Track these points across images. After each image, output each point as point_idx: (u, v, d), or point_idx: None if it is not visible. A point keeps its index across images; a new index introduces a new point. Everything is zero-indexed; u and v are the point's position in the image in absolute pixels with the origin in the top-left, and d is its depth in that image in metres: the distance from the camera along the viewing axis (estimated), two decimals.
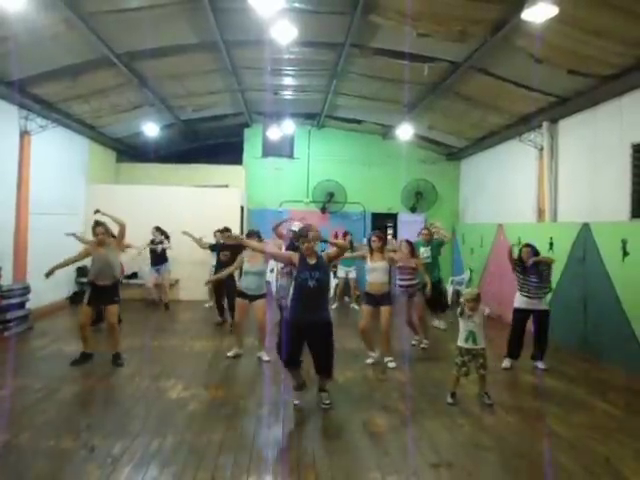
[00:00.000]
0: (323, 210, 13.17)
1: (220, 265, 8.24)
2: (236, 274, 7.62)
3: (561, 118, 8.53)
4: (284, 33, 6.54)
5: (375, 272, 6.35)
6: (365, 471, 3.64)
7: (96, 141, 11.41)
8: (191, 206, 10.86)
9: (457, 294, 11.67)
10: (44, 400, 4.88)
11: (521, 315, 6.39)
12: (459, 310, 5.12)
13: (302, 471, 3.62)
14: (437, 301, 8.42)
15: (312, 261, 4.73)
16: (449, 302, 11.49)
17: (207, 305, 10.02)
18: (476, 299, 5.06)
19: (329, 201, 13.13)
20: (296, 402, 4.86)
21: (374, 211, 13.33)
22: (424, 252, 8.05)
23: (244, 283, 6.48)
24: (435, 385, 5.62)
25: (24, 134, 8.43)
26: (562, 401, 5.23)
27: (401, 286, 7.23)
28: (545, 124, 8.71)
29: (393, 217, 13.29)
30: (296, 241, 4.97)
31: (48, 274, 5.87)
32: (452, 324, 8.03)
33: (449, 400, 5.03)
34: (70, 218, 9.91)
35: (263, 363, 6.31)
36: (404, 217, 13.12)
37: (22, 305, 7.74)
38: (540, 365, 6.33)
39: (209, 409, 4.75)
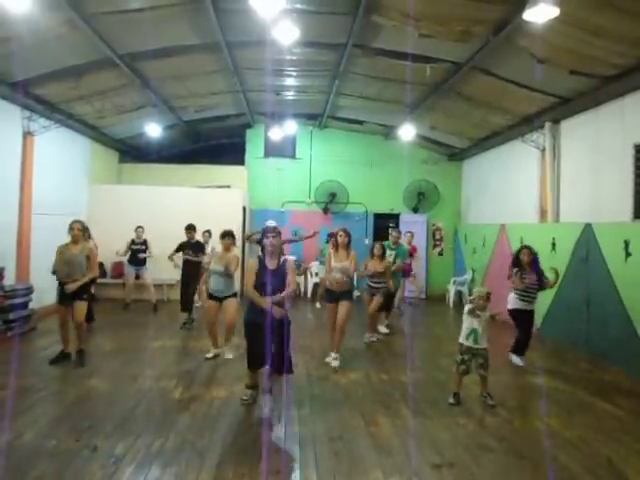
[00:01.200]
0: (325, 211, 13.18)
1: (183, 264, 8.49)
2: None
3: (563, 118, 8.52)
4: (286, 34, 6.55)
5: (337, 272, 6.30)
6: (367, 471, 3.64)
7: (99, 142, 11.44)
8: (193, 207, 10.85)
9: (459, 295, 11.69)
10: (47, 400, 4.89)
11: (520, 314, 6.52)
12: (468, 307, 5.11)
13: (304, 471, 3.63)
14: (387, 303, 8.25)
15: (272, 266, 4.69)
16: (451, 303, 11.54)
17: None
18: (486, 298, 5.06)
19: (331, 202, 13.13)
20: (245, 398, 4.91)
21: (376, 212, 13.33)
22: (389, 255, 8.06)
23: (211, 285, 6.38)
24: (437, 385, 5.61)
25: (27, 135, 8.45)
26: (564, 402, 5.23)
27: (369, 286, 7.48)
28: (547, 124, 8.70)
29: (395, 218, 13.28)
30: (261, 237, 4.90)
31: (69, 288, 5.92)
32: (451, 325, 8.04)
33: (451, 400, 5.02)
34: (72, 219, 9.90)
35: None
36: (406, 218, 13.11)
37: (25, 305, 7.75)
38: (519, 362, 6.49)
39: (211, 409, 4.75)
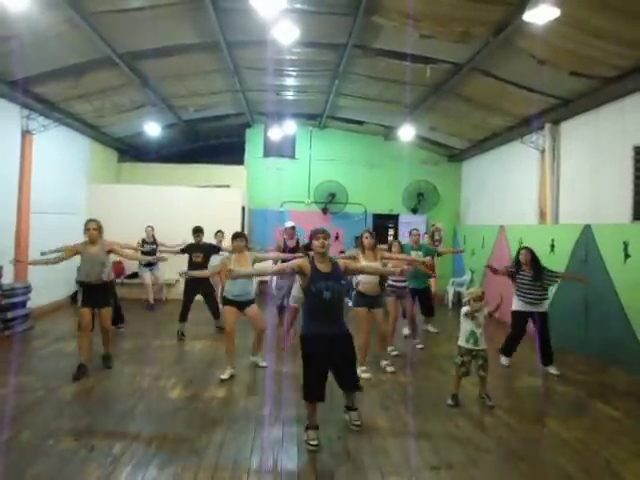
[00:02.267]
0: (324, 211, 13.17)
1: (193, 268, 7.52)
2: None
3: (563, 120, 8.52)
4: (286, 33, 6.55)
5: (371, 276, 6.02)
6: (365, 472, 3.63)
7: (98, 141, 11.43)
8: (192, 206, 10.86)
9: (458, 295, 11.68)
10: (44, 399, 4.87)
11: (520, 316, 6.33)
12: (465, 310, 5.10)
13: (302, 472, 3.62)
14: (428, 306, 8.18)
15: (326, 269, 4.16)
16: (450, 304, 11.52)
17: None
18: (481, 298, 5.05)
19: (330, 202, 13.13)
20: (313, 443, 4.00)
21: (375, 212, 13.33)
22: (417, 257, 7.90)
23: (233, 290, 5.76)
24: (435, 387, 5.60)
25: (26, 133, 8.44)
26: (563, 403, 5.23)
27: (391, 286, 7.00)
28: (547, 126, 8.70)
29: (394, 218, 13.28)
30: (308, 243, 4.36)
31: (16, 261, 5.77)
32: (450, 326, 8.00)
33: (449, 402, 5.01)
34: (71, 218, 9.90)
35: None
36: (405, 218, 13.10)
37: (23, 304, 7.73)
38: (552, 370, 6.16)
39: (209, 409, 4.74)
